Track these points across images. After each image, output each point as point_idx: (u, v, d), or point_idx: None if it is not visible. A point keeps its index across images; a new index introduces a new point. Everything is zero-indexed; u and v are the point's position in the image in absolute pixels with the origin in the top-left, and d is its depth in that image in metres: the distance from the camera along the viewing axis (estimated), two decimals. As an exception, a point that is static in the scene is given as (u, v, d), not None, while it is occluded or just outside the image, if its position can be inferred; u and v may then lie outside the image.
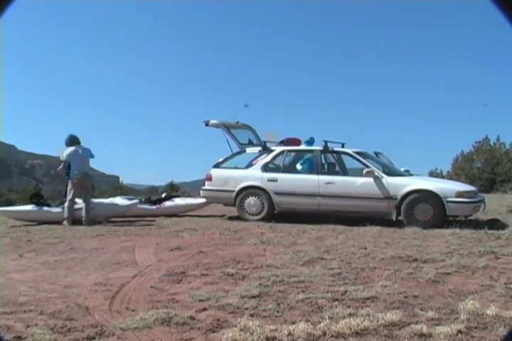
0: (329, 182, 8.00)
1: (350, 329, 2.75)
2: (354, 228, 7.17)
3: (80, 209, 8.15)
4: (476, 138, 22.83)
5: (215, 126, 9.35)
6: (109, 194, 13.08)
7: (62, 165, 8.27)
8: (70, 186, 8.12)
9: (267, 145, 8.99)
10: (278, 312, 3.16)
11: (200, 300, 3.43)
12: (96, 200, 8.70)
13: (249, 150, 9.09)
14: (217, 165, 8.96)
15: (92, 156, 8.42)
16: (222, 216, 9.24)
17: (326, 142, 8.52)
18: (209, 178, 8.83)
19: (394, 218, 7.62)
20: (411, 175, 8.55)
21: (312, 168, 8.37)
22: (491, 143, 22.08)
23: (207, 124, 9.34)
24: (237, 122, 9.41)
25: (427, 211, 7.41)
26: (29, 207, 8.72)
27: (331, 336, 2.69)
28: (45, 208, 8.42)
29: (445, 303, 3.35)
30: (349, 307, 3.22)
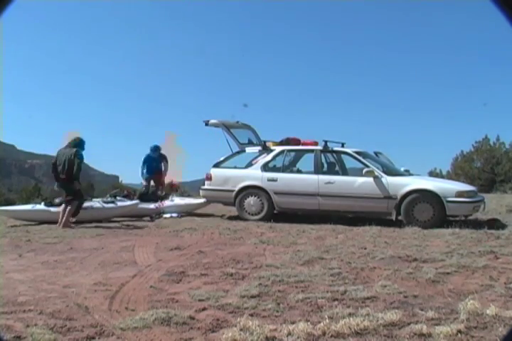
0: (329, 182, 8.00)
1: (350, 329, 2.75)
2: (354, 228, 7.17)
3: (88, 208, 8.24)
4: (475, 137, 22.86)
5: (215, 125, 9.34)
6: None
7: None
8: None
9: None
10: (278, 312, 3.16)
11: (199, 300, 3.43)
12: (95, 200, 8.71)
13: (249, 149, 9.09)
14: (217, 165, 8.96)
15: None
16: (222, 216, 9.23)
17: (325, 142, 8.52)
18: (209, 178, 8.82)
19: (394, 218, 7.62)
20: (411, 174, 8.55)
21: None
22: (491, 142, 22.08)
23: (207, 124, 9.33)
24: (237, 122, 9.40)
25: (426, 211, 7.41)
26: (28, 207, 8.72)
27: (331, 336, 2.69)
28: (44, 207, 8.40)
29: (445, 303, 3.35)
30: (349, 307, 3.22)
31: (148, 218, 8.74)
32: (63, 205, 7.82)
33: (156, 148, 10.48)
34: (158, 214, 9.06)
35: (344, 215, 8.20)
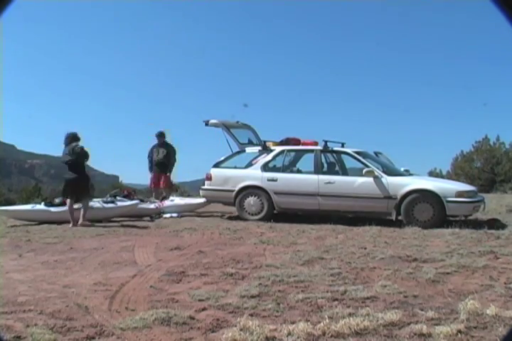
0: (329, 182, 8.00)
1: (350, 329, 2.75)
2: (354, 228, 7.17)
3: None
4: (475, 137, 22.85)
5: (215, 125, 9.33)
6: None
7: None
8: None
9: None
10: (278, 312, 3.16)
11: (199, 300, 3.43)
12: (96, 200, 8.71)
13: (249, 150, 9.09)
14: (217, 165, 8.96)
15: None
16: (221, 216, 9.23)
17: (325, 142, 8.52)
18: (209, 178, 8.82)
19: (394, 218, 7.62)
20: (411, 174, 8.55)
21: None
22: (491, 142, 22.07)
23: (207, 124, 9.32)
24: (237, 122, 9.40)
25: (426, 211, 7.41)
26: (28, 207, 8.72)
27: (331, 336, 2.70)
28: (44, 207, 8.40)
29: (445, 303, 3.35)
30: (349, 307, 3.22)
31: (148, 218, 8.74)
32: (69, 202, 7.87)
33: (159, 135, 10.04)
34: (158, 214, 9.06)
35: (344, 215, 8.20)
